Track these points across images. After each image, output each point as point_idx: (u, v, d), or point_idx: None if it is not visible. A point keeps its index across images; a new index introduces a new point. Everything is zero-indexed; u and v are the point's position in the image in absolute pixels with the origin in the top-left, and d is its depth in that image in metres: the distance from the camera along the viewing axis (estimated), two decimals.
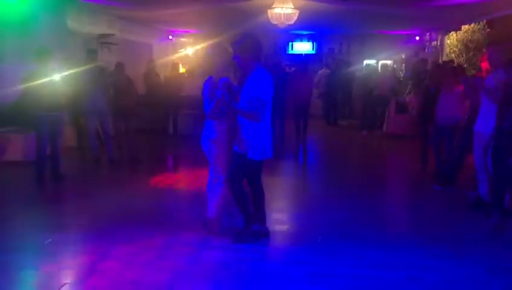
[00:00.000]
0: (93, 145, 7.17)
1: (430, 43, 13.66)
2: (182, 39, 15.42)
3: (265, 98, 3.71)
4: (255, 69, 3.76)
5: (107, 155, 7.14)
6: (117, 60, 7.76)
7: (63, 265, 3.65)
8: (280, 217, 4.89)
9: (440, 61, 11.04)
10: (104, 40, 9.64)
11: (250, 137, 3.76)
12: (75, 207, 5.11)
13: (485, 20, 9.82)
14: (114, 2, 9.13)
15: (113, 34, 9.96)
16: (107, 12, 10.19)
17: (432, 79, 6.66)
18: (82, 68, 6.90)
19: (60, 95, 5.81)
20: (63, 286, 3.24)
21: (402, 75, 12.96)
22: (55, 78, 5.78)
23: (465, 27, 10.47)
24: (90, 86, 6.82)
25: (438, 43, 12.77)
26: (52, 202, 5.31)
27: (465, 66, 10.00)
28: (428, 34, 13.61)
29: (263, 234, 4.08)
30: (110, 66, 8.02)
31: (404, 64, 13.83)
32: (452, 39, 11.02)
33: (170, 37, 14.52)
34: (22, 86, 5.76)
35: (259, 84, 3.70)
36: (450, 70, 6.41)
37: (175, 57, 14.01)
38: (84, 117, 7.29)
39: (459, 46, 10.59)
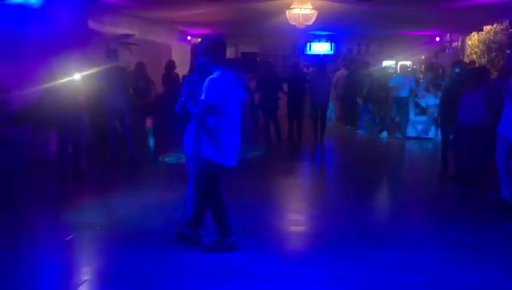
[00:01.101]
0: (112, 144, 7.26)
1: (451, 44, 13.46)
2: (200, 40, 15.52)
3: (211, 101, 3.55)
4: (215, 71, 3.68)
5: (126, 154, 7.21)
6: (137, 60, 7.84)
7: (83, 262, 3.71)
8: (297, 218, 4.88)
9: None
10: (124, 41, 9.76)
11: (203, 138, 3.71)
12: (96, 205, 5.18)
13: (508, 21, 9.64)
14: (134, 3, 9.24)
15: (133, 35, 10.07)
16: (127, 13, 10.31)
17: (453, 80, 6.55)
18: (102, 68, 6.98)
19: (80, 94, 5.90)
20: (83, 282, 3.29)
21: (421, 77, 12.80)
22: (76, 78, 5.87)
23: (487, 27, 10.31)
24: (110, 85, 6.91)
25: (459, 44, 12.58)
26: (72, 200, 5.39)
27: (487, 67, 9.85)
28: (448, 34, 13.42)
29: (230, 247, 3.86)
30: (130, 66, 8.11)
31: (423, 66, 13.67)
32: (474, 40, 10.86)
33: (189, 37, 14.62)
34: (43, 86, 5.87)
35: (209, 86, 3.57)
36: (472, 71, 6.29)
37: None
38: (103, 116, 7.38)
39: (480, 46, 10.43)
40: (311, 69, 12.95)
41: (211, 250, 3.77)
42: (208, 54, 3.68)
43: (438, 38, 14.10)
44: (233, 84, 3.75)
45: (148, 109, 7.36)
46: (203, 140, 3.71)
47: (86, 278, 3.37)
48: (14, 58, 7.16)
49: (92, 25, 8.94)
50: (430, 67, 11.54)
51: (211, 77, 3.63)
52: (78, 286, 3.22)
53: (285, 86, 9.69)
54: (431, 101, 9.67)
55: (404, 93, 10.12)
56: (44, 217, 4.69)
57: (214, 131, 3.65)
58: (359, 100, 11.27)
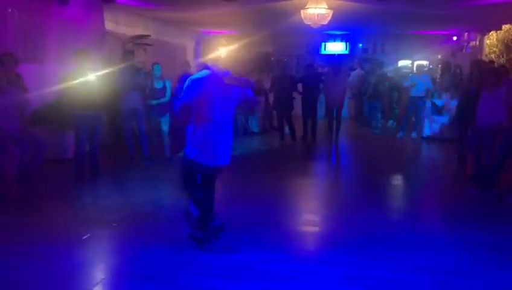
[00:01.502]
0: (129, 144, 7.32)
1: (469, 43, 13.25)
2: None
3: (188, 101, 3.58)
4: (204, 70, 3.68)
5: (142, 154, 7.27)
6: (152, 61, 7.89)
7: (100, 260, 3.74)
8: (312, 218, 4.86)
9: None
10: (139, 41, 9.83)
11: (188, 137, 3.73)
12: (112, 204, 5.23)
13: None
14: (149, 4, 9.30)
15: (148, 35, 10.14)
16: (142, 14, 10.39)
17: (471, 80, 6.45)
18: (118, 68, 7.04)
19: (96, 94, 5.97)
20: (100, 281, 3.32)
21: (438, 76, 12.64)
22: (92, 78, 5.94)
23: (506, 26, 10.12)
24: (126, 85, 6.97)
25: (477, 43, 12.38)
26: (90, 199, 5.45)
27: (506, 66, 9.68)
28: (466, 33, 13.21)
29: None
30: (146, 66, 8.16)
31: (439, 66, 13.49)
32: (492, 39, 10.68)
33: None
34: (60, 86, 5.95)
35: (187, 86, 3.60)
36: (492, 71, 6.19)
37: (208, 58, 14.11)
38: (120, 116, 7.44)
39: (499, 46, 10.25)
40: (326, 69, 12.90)
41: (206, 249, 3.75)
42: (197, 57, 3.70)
43: (455, 38, 13.89)
44: (217, 84, 3.64)
45: (164, 109, 7.40)
46: (187, 139, 3.73)
47: (102, 276, 3.40)
48: (33, 58, 7.29)
49: (107, 25, 9.04)
50: (447, 67, 11.41)
51: (192, 77, 3.65)
52: (95, 284, 3.25)
53: (299, 86, 9.67)
54: (449, 101, 9.54)
55: (420, 92, 10.01)
56: (61, 215, 4.74)
57: (195, 131, 3.64)
58: (364, 99, 11.25)
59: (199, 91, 3.57)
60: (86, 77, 5.86)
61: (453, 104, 9.24)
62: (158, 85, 7.34)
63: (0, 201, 5.07)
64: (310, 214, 5.02)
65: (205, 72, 3.67)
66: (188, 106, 3.60)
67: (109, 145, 8.10)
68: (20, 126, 5.51)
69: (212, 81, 3.63)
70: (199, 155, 3.67)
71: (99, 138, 6.33)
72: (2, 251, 3.76)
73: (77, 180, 6.04)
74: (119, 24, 9.79)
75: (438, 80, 11.98)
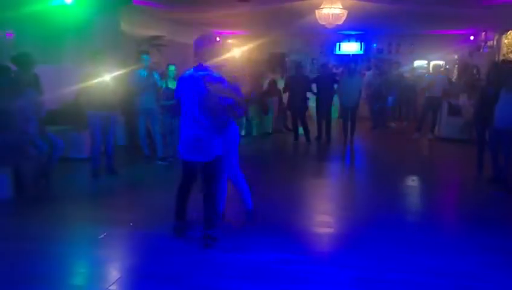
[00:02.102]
0: (143, 144, 7.37)
1: (486, 42, 13.05)
2: (229, 41, 15.58)
3: (175, 97, 4.01)
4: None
5: (156, 154, 7.31)
6: (166, 61, 7.93)
7: (117, 259, 3.76)
8: (327, 220, 4.82)
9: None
10: (154, 42, 9.89)
11: None
12: (128, 203, 5.26)
13: None
14: (164, 5, 9.36)
15: (163, 36, 10.20)
16: (156, 14, 10.45)
17: (490, 80, 6.34)
18: (133, 69, 7.09)
19: (112, 95, 6.03)
20: (117, 279, 3.34)
21: (454, 77, 12.48)
22: (108, 79, 6.00)
23: None
24: (141, 86, 7.01)
25: (495, 43, 12.18)
26: (106, 198, 5.49)
27: None
28: (483, 33, 13.01)
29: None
30: (160, 67, 8.21)
31: (456, 66, 13.32)
32: (510, 38, 10.51)
33: (217, 38, 14.69)
34: (77, 86, 6.03)
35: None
36: (511, 71, 6.07)
37: (222, 58, 14.13)
38: (134, 117, 7.50)
39: None
40: (340, 69, 12.82)
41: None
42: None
43: (472, 37, 13.70)
44: (191, 81, 3.80)
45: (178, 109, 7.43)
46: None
47: (118, 275, 3.42)
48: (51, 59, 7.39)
49: (123, 26, 9.12)
50: (464, 67, 11.25)
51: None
52: (111, 284, 3.27)
53: (313, 86, 9.63)
54: (466, 102, 9.41)
55: (436, 93, 9.89)
56: (77, 214, 4.79)
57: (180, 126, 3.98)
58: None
59: (180, 88, 3.93)
60: (102, 78, 5.92)
61: (470, 104, 9.12)
62: (173, 86, 7.37)
63: (19, 201, 5.15)
64: (324, 215, 4.98)
65: (189, 71, 3.90)
66: (176, 101, 4.01)
67: (124, 145, 8.17)
68: (37, 126, 5.58)
69: (187, 79, 3.85)
70: (180, 149, 3.99)
71: (114, 138, 6.40)
72: (21, 248, 3.81)
73: (93, 179, 6.11)
74: (134, 25, 9.86)
75: (454, 81, 11.82)
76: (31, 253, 3.72)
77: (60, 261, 3.62)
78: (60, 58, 7.78)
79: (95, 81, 5.88)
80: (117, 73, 6.30)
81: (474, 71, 11.01)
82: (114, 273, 3.49)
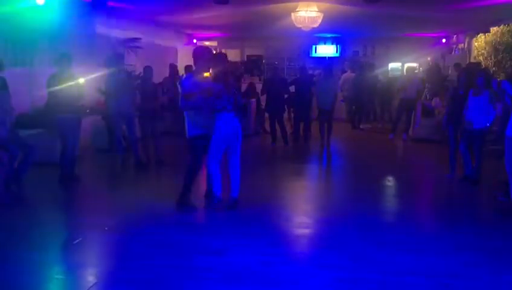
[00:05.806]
0: (119, 148, 7.26)
1: (457, 45, 13.40)
2: (206, 43, 15.56)
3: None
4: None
5: (133, 157, 7.22)
6: (143, 64, 7.86)
7: (93, 264, 3.71)
8: (306, 221, 4.86)
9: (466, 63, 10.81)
10: (130, 44, 9.78)
11: None
12: (103, 208, 5.18)
13: None
14: (140, 7, 9.27)
15: (139, 38, 10.10)
16: (133, 16, 10.34)
17: (460, 82, 6.51)
18: (109, 72, 6.99)
19: (80, 98, 5.96)
20: (91, 285, 3.29)
21: (427, 78, 12.74)
22: (77, 82, 5.93)
23: (493, 29, 10.25)
24: (116, 89, 6.91)
25: (466, 46, 12.52)
26: (80, 203, 5.40)
27: (493, 69, 9.79)
28: (455, 36, 13.36)
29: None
30: (136, 69, 8.13)
31: (428, 68, 13.63)
32: (480, 41, 10.80)
33: (195, 40, 14.65)
34: (47, 89, 5.91)
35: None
36: (479, 73, 6.26)
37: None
38: (110, 120, 7.40)
39: (487, 48, 10.37)
40: (317, 71, 12.93)
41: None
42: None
43: (444, 40, 14.05)
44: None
45: (156, 112, 7.37)
46: None
47: (95, 280, 3.37)
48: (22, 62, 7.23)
49: (98, 28, 8.99)
50: (436, 69, 11.51)
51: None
52: (87, 289, 3.22)
53: (291, 88, 9.70)
54: (438, 103, 9.62)
55: (410, 94, 10.09)
56: (50, 219, 4.70)
57: None
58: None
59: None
60: (70, 81, 5.84)
61: (442, 106, 9.33)
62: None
63: None
64: (303, 216, 5.02)
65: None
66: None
67: (103, 149, 8.06)
68: (8, 130, 5.44)
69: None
70: None
71: (79, 141, 6.29)
72: None
73: (64, 184, 5.98)
74: (110, 27, 9.73)
75: (427, 83, 12.08)
76: (4, 260, 3.63)
77: (35, 268, 3.54)
78: (32, 60, 7.61)
79: (63, 84, 5.78)
80: (88, 75, 6.23)
81: (446, 73, 11.28)
82: (90, 278, 3.43)
